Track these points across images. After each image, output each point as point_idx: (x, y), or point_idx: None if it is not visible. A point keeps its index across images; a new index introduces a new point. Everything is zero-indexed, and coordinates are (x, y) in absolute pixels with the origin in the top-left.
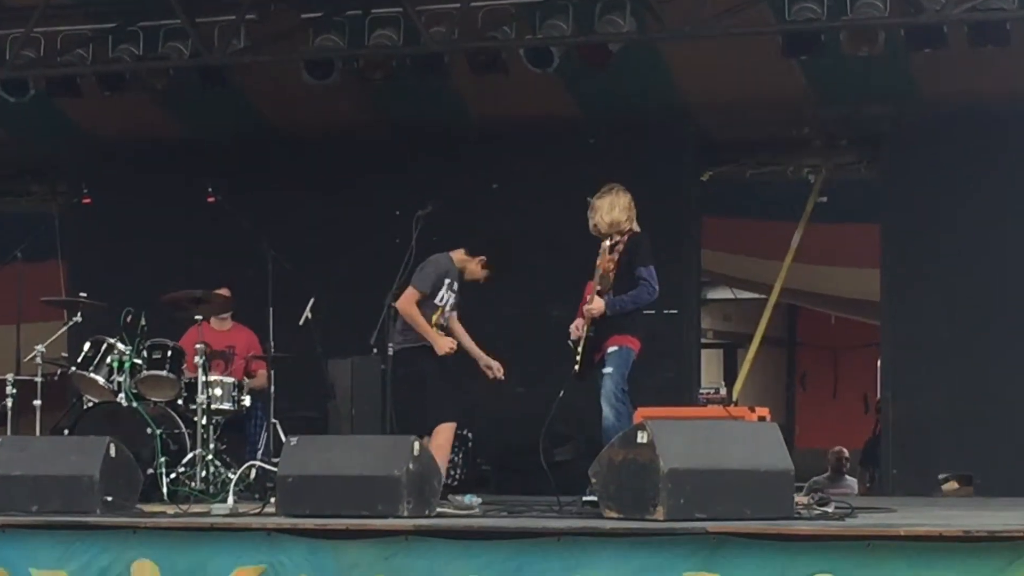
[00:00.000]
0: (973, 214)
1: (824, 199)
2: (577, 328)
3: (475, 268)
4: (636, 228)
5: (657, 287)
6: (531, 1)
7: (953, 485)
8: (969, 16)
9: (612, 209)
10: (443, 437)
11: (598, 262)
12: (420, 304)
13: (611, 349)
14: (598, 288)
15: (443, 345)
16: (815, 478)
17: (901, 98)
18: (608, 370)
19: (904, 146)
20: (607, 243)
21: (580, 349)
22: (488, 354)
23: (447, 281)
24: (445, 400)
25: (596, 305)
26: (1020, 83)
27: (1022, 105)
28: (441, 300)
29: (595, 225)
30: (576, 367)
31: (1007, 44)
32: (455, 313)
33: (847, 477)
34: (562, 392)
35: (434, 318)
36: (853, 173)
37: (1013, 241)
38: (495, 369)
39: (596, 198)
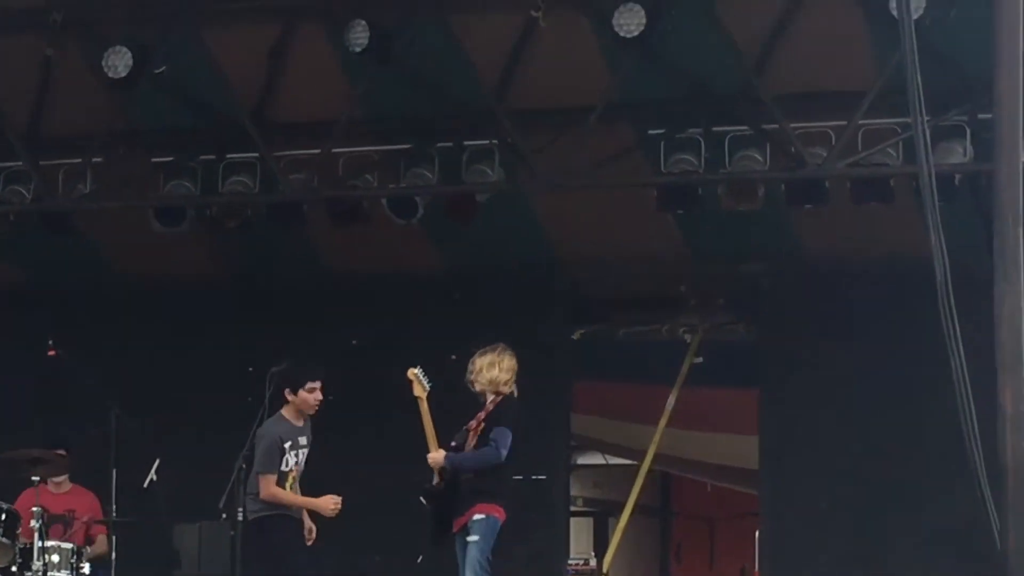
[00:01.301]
0: (855, 378)
1: (700, 360)
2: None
3: (307, 398)
4: (512, 392)
5: (504, 452)
6: (395, 148)
7: None
8: (852, 171)
9: (492, 368)
10: None
11: (417, 394)
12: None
13: (476, 517)
14: (453, 443)
15: (325, 505)
16: None
17: (782, 255)
18: (473, 538)
19: (784, 306)
20: (413, 370)
21: (425, 501)
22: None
23: (286, 445)
24: (305, 571)
25: (436, 456)
26: (906, 242)
27: (908, 265)
28: (287, 466)
29: (471, 382)
30: (430, 529)
31: (891, 201)
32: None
33: None
34: (420, 558)
35: (288, 484)
36: (731, 334)
37: (897, 407)
38: (310, 532)
39: (478, 355)
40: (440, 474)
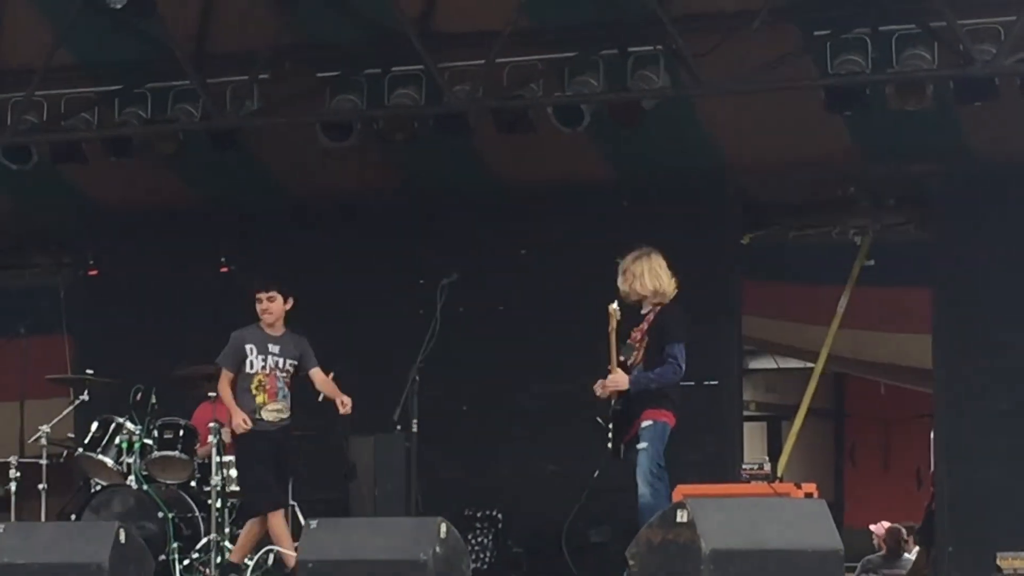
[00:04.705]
0: None
1: (871, 262)
2: (602, 386)
3: (277, 313)
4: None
5: (684, 366)
6: (559, 56)
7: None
8: (1022, 68)
9: (655, 277)
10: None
11: (610, 328)
12: (238, 378)
13: (645, 424)
14: (621, 359)
15: (235, 420)
16: (869, 557)
17: (951, 154)
18: (643, 445)
19: (955, 205)
20: (613, 306)
21: (610, 424)
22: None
23: (248, 347)
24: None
25: (618, 380)
26: None
27: None
28: (252, 368)
29: (632, 291)
30: (609, 444)
31: None
32: (315, 370)
33: (905, 556)
34: (596, 472)
35: (254, 386)
36: (902, 234)
37: None
38: (345, 404)
39: (631, 262)
40: (619, 395)
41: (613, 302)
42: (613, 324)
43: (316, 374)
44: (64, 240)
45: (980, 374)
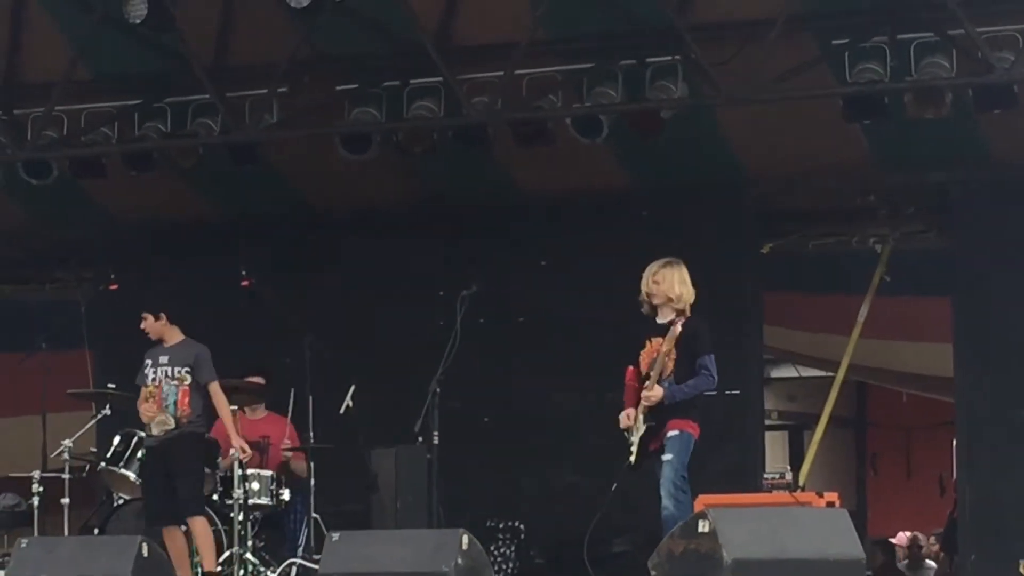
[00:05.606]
0: None
1: (888, 279)
2: (628, 417)
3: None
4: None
5: (716, 376)
6: (578, 68)
7: None
8: None
9: (683, 284)
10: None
11: (644, 353)
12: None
13: (670, 434)
14: (651, 373)
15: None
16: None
17: (970, 162)
18: (667, 457)
19: (975, 213)
20: (657, 343)
21: (635, 439)
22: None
23: (146, 362)
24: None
25: (655, 393)
26: None
27: None
28: (148, 381)
29: (656, 294)
30: (631, 459)
31: None
32: (213, 384)
33: (927, 562)
34: (615, 485)
35: (144, 398)
36: (922, 242)
37: None
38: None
39: (660, 266)
40: (650, 409)
41: (668, 334)
42: (656, 352)
43: (214, 389)
44: (85, 254)
45: (1001, 382)
